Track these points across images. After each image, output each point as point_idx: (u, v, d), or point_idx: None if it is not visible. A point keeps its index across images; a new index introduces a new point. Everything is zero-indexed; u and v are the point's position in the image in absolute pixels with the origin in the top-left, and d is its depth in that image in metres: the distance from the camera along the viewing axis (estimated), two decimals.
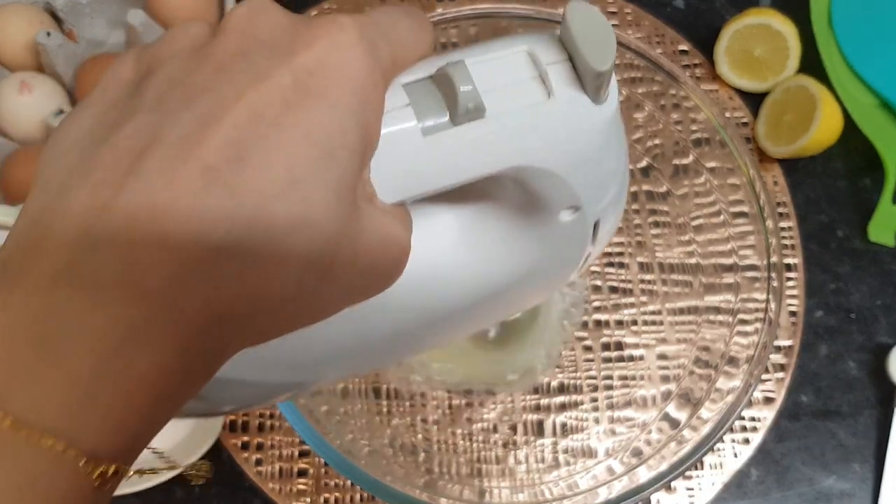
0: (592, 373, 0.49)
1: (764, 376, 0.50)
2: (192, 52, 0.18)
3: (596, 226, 0.24)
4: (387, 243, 0.19)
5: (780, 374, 0.50)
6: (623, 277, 0.50)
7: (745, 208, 0.40)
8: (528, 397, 0.48)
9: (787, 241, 0.53)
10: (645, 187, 0.47)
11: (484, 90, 0.19)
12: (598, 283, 0.50)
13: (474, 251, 0.24)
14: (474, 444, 0.46)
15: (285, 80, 0.17)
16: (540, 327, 0.48)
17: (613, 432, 0.46)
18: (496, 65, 0.19)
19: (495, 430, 0.47)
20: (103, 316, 0.16)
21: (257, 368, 0.22)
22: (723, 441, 0.48)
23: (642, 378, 0.48)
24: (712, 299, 0.43)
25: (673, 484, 0.47)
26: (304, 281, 0.18)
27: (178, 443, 0.48)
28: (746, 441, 0.49)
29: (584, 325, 0.50)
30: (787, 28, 0.54)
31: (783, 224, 0.53)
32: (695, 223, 0.44)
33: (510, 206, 0.23)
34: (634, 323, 0.49)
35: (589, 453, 0.46)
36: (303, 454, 0.48)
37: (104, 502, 0.16)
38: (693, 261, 0.45)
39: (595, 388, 0.48)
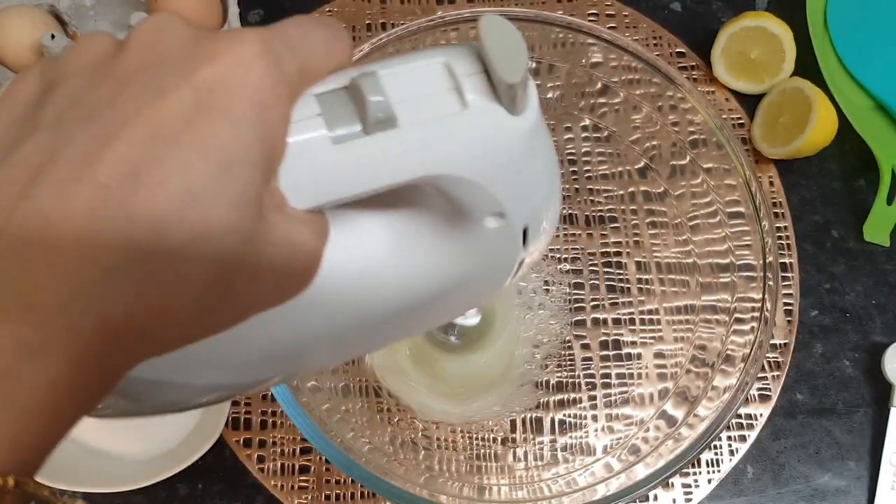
0: (590, 371, 0.49)
1: (760, 375, 0.50)
2: (94, 68, 0.18)
3: (525, 231, 0.24)
4: (294, 252, 0.19)
5: (776, 373, 0.50)
6: (620, 276, 0.50)
7: (741, 209, 0.41)
8: (526, 396, 0.48)
9: (782, 241, 0.53)
10: (642, 188, 0.48)
11: (398, 100, 0.19)
12: (596, 281, 0.50)
13: (404, 255, 0.24)
14: (474, 442, 0.47)
15: (185, 96, 0.17)
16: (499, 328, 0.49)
17: (611, 430, 0.47)
18: (412, 76, 0.20)
19: (494, 427, 0.47)
20: None
21: (185, 370, 0.22)
22: (719, 439, 0.49)
23: (640, 376, 0.48)
24: (709, 298, 0.43)
25: (670, 481, 0.48)
26: (205, 295, 0.18)
27: (183, 440, 0.48)
28: (743, 439, 0.49)
29: (582, 324, 0.50)
30: (782, 31, 0.54)
31: (779, 224, 0.53)
32: (691, 223, 0.45)
33: (436, 212, 0.23)
34: (632, 322, 0.50)
35: (587, 451, 0.46)
36: (304, 451, 0.49)
37: None
38: (690, 260, 0.45)
39: (593, 387, 0.49)
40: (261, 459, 0.48)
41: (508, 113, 0.20)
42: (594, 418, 0.48)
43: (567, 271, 0.51)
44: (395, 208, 0.23)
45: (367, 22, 0.58)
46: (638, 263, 0.50)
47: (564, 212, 0.51)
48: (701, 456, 0.48)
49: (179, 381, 0.22)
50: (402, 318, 0.26)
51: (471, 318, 0.47)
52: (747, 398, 0.46)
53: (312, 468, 0.48)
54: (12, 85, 0.19)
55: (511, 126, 0.20)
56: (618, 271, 0.50)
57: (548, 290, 0.50)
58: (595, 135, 0.48)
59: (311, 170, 0.19)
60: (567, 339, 0.50)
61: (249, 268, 0.18)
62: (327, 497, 0.48)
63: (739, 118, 0.56)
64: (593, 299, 0.50)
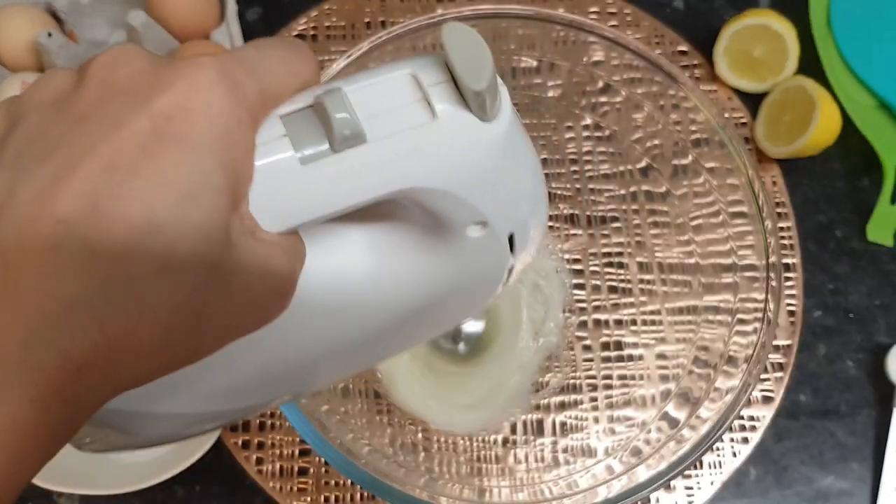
0: (592, 372, 0.49)
1: (763, 376, 0.50)
2: (53, 105, 0.18)
3: (512, 238, 0.24)
4: (266, 276, 0.19)
5: (779, 374, 0.50)
6: (622, 277, 0.50)
7: (743, 208, 0.40)
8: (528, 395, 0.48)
9: (785, 241, 0.53)
10: (644, 187, 0.48)
11: (366, 116, 0.19)
12: (598, 282, 0.50)
13: (390, 269, 0.24)
14: (474, 444, 0.47)
15: (142, 126, 0.17)
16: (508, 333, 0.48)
17: (613, 431, 0.46)
18: (378, 90, 0.19)
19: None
20: None
21: (173, 400, 0.22)
22: (722, 440, 0.48)
23: (641, 377, 0.48)
24: (711, 299, 0.43)
25: (672, 483, 0.48)
26: (172, 326, 0.17)
27: (179, 442, 0.48)
28: (745, 440, 0.49)
29: (584, 325, 0.50)
30: (785, 29, 0.54)
31: (782, 224, 0.53)
32: (694, 223, 0.44)
33: (418, 224, 0.23)
34: (634, 322, 0.49)
35: (588, 452, 0.46)
36: (303, 453, 0.48)
37: None
38: (692, 261, 0.45)
39: (594, 388, 0.48)
40: (259, 461, 0.48)
41: (480, 120, 0.20)
42: (595, 420, 0.47)
43: (569, 271, 0.50)
44: (376, 222, 0.23)
45: (367, 20, 0.58)
46: (640, 264, 0.49)
47: (566, 212, 0.50)
48: (703, 458, 0.48)
49: (170, 412, 0.22)
50: (396, 332, 0.26)
51: (475, 325, 0.47)
52: (750, 399, 0.46)
53: (311, 470, 0.48)
54: None
55: (483, 133, 0.20)
56: (619, 272, 0.50)
57: (548, 291, 0.50)
58: (596, 134, 0.48)
59: (280, 192, 0.19)
60: (569, 340, 0.49)
61: (219, 295, 0.18)
62: (326, 499, 0.47)
63: (742, 117, 0.56)
64: (595, 300, 0.50)
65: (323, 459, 0.44)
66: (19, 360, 0.16)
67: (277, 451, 0.48)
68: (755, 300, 0.39)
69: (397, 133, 0.19)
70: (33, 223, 0.16)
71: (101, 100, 0.18)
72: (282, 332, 0.21)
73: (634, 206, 0.49)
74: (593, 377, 0.49)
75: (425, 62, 0.20)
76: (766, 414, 0.49)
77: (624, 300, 0.49)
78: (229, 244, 0.18)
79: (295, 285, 0.20)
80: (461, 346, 0.48)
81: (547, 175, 0.51)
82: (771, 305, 0.38)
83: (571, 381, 0.49)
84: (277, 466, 0.48)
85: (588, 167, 0.50)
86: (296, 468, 0.48)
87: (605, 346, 0.49)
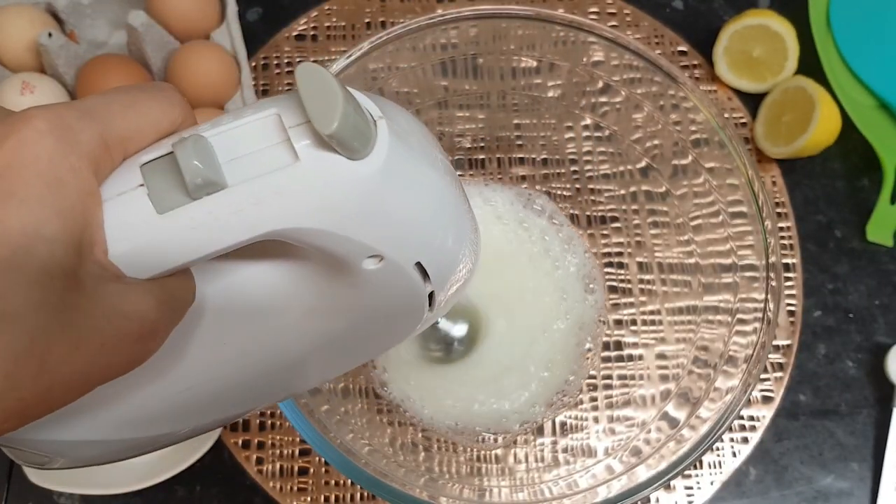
0: (592, 372, 0.49)
1: (762, 376, 0.50)
2: None
3: (421, 266, 0.23)
4: (122, 321, 0.19)
5: (779, 374, 0.50)
6: (622, 277, 0.50)
7: (743, 208, 0.40)
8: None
9: (785, 241, 0.53)
10: (644, 187, 0.48)
11: (227, 160, 0.19)
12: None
13: (296, 301, 0.24)
14: (474, 444, 0.47)
15: None
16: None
17: (613, 431, 0.46)
18: (243, 132, 0.19)
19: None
20: None
21: (91, 429, 0.22)
22: (722, 440, 0.48)
23: (641, 377, 0.48)
24: (711, 299, 0.43)
25: (672, 483, 0.48)
26: (15, 374, 0.17)
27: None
28: (745, 440, 0.49)
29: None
30: (785, 29, 0.54)
31: (781, 224, 0.53)
32: (694, 223, 0.44)
33: (314, 258, 0.23)
34: (633, 322, 0.49)
35: (588, 452, 0.46)
36: (303, 453, 0.48)
37: None
38: (692, 261, 0.45)
39: (594, 388, 0.48)
40: (259, 461, 0.48)
41: (348, 159, 0.19)
42: (595, 420, 0.47)
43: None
44: (276, 257, 0.23)
45: (367, 20, 0.58)
46: (640, 264, 0.49)
47: (566, 212, 0.50)
48: (703, 458, 0.47)
49: (87, 439, 0.22)
50: (317, 359, 0.26)
51: (457, 329, 0.46)
52: (749, 399, 0.46)
53: (311, 470, 0.48)
54: None
55: (353, 171, 0.19)
56: (619, 272, 0.50)
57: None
58: (596, 134, 0.48)
59: (139, 240, 0.19)
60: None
61: (67, 341, 0.18)
62: (326, 499, 0.47)
63: (742, 117, 0.56)
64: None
65: (323, 459, 0.44)
66: None
67: (277, 451, 0.48)
68: (755, 300, 0.39)
69: (258, 177, 0.19)
70: None
71: None
72: (186, 363, 0.21)
73: (634, 206, 0.49)
74: (593, 377, 0.49)
75: (288, 102, 0.20)
76: (765, 414, 0.49)
77: (624, 300, 0.50)
78: (77, 290, 0.18)
79: (162, 328, 0.20)
80: (456, 344, 0.48)
81: (547, 175, 0.51)
82: (771, 305, 0.38)
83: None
84: (277, 466, 0.48)
85: (588, 167, 0.50)
86: (296, 468, 0.48)
87: (605, 346, 0.49)
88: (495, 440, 0.47)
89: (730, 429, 0.48)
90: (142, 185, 0.19)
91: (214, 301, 0.22)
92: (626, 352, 0.49)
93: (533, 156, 0.51)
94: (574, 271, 0.49)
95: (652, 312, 0.49)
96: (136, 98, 0.20)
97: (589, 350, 0.48)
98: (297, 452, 0.48)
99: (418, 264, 0.23)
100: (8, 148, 0.18)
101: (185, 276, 0.21)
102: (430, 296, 0.25)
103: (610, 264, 0.50)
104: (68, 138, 0.18)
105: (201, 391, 0.24)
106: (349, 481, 0.47)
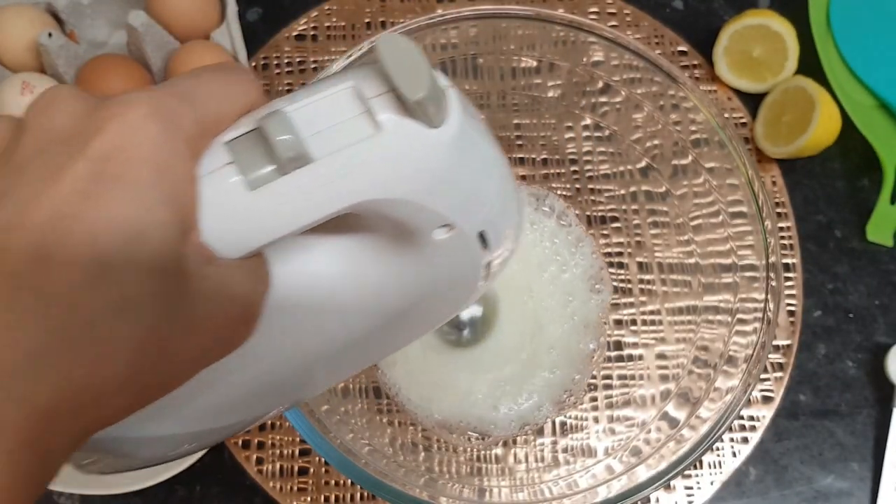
0: (592, 372, 0.49)
1: (762, 376, 0.50)
2: None
3: (483, 235, 0.24)
4: (227, 303, 0.19)
5: (779, 374, 0.50)
6: (622, 277, 0.50)
7: (743, 208, 0.40)
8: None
9: (785, 241, 0.53)
10: (644, 187, 0.48)
11: (310, 134, 0.19)
12: None
13: (363, 277, 0.24)
14: (474, 443, 0.47)
15: (80, 170, 0.17)
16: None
17: (613, 431, 0.46)
18: (321, 106, 0.19)
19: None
20: None
21: (164, 423, 0.22)
22: (721, 440, 0.48)
23: (641, 377, 0.48)
24: (711, 299, 0.43)
25: (672, 483, 0.48)
26: (135, 364, 0.17)
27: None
28: (745, 440, 0.49)
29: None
30: (785, 29, 0.54)
31: (781, 224, 0.53)
32: (694, 223, 0.44)
33: (384, 232, 0.23)
34: (633, 322, 0.49)
35: (588, 452, 0.46)
36: (303, 453, 0.48)
37: None
38: (692, 261, 0.45)
39: (594, 388, 0.48)
40: (259, 461, 0.48)
41: (426, 127, 0.19)
42: (595, 420, 0.47)
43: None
44: (345, 233, 0.23)
45: (367, 20, 0.58)
46: (640, 264, 0.49)
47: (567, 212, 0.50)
48: (703, 458, 0.47)
49: (161, 434, 0.22)
50: (380, 335, 0.26)
51: (472, 310, 0.47)
52: (749, 399, 0.46)
53: (311, 470, 0.48)
54: None
55: (431, 139, 0.20)
56: (619, 272, 0.50)
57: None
58: (596, 134, 0.48)
59: (232, 219, 0.19)
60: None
61: (181, 326, 0.18)
62: (326, 499, 0.47)
63: (742, 117, 0.56)
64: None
65: (323, 459, 0.44)
66: None
67: (277, 451, 0.48)
68: (755, 300, 0.39)
69: (343, 149, 0.19)
70: None
71: (40, 147, 0.18)
72: (262, 348, 0.21)
73: (634, 206, 0.49)
74: (593, 377, 0.49)
75: (365, 74, 0.20)
76: (765, 414, 0.49)
77: (624, 300, 0.50)
78: (185, 275, 0.18)
79: (260, 308, 0.20)
80: (465, 332, 0.48)
81: (547, 175, 0.51)
82: (771, 305, 0.38)
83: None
84: (277, 466, 0.48)
85: (588, 167, 0.50)
86: (296, 468, 0.48)
87: (605, 346, 0.49)
88: (495, 440, 0.47)
89: (730, 429, 0.48)
90: (230, 162, 0.19)
91: (282, 282, 0.22)
92: (626, 352, 0.49)
93: (533, 156, 0.51)
94: (580, 273, 0.49)
95: (652, 312, 0.49)
96: (223, 80, 0.20)
97: (594, 350, 0.48)
98: (297, 452, 0.48)
99: (481, 233, 0.23)
100: (113, 132, 0.17)
101: (261, 256, 0.21)
102: (487, 267, 0.25)
103: (610, 264, 0.50)
104: (171, 123, 0.18)
105: (266, 377, 0.24)
106: (349, 481, 0.47)
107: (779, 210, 0.53)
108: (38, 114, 0.18)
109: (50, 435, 0.17)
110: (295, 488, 0.48)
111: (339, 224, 0.21)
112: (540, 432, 0.47)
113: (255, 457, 0.48)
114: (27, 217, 0.17)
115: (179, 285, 0.18)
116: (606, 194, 0.50)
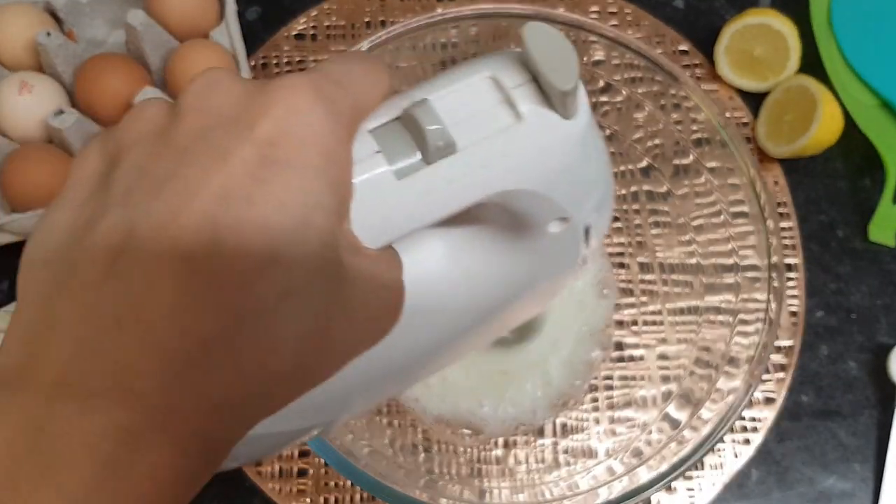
0: (592, 377, 0.49)
1: (764, 376, 0.50)
2: (154, 137, 0.18)
3: (587, 229, 0.24)
4: (380, 291, 0.19)
5: (781, 375, 0.50)
6: (623, 277, 0.50)
7: (745, 208, 0.40)
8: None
9: (787, 241, 0.53)
10: (645, 187, 0.47)
11: (452, 123, 0.19)
12: None
13: (469, 271, 0.24)
14: (474, 445, 0.46)
15: (248, 154, 0.17)
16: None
17: (614, 432, 0.46)
18: (461, 95, 0.19)
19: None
20: (96, 423, 0.15)
21: (287, 419, 0.21)
22: (723, 441, 0.48)
23: (642, 378, 0.48)
24: (713, 299, 0.43)
25: (673, 484, 0.47)
26: (302, 352, 0.17)
27: None
28: (747, 441, 0.49)
29: None
30: (787, 28, 0.54)
31: (783, 224, 0.53)
32: (695, 223, 0.44)
33: (498, 224, 0.23)
34: (635, 323, 0.49)
35: (589, 453, 0.46)
36: (303, 454, 0.48)
37: None
38: (693, 261, 0.45)
39: (595, 389, 0.48)
40: (258, 462, 0.48)
41: (562, 118, 0.20)
42: (596, 421, 0.47)
43: None
44: (456, 225, 0.23)
45: (367, 20, 0.58)
46: (641, 264, 0.49)
47: None
48: (704, 459, 0.47)
49: (269, 432, 0.22)
50: (477, 328, 0.26)
51: None
52: (751, 400, 0.46)
53: (311, 471, 0.48)
54: (75, 164, 0.19)
55: (566, 131, 0.20)
56: (620, 272, 0.50)
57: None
58: None
59: (379, 208, 0.19)
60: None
61: (341, 316, 0.18)
62: (326, 501, 0.47)
63: (743, 117, 0.55)
64: None
65: (323, 461, 0.44)
66: (159, 403, 0.16)
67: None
68: (757, 300, 0.39)
69: (486, 138, 0.19)
70: (156, 263, 0.16)
71: (202, 129, 0.17)
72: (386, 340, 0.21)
73: (635, 206, 0.49)
74: (594, 378, 0.48)
75: (503, 63, 0.20)
76: (767, 415, 0.49)
77: (625, 300, 0.49)
78: (341, 264, 0.18)
79: (403, 297, 0.20)
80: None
81: None
82: (773, 306, 0.38)
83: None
84: (277, 467, 0.48)
85: None
86: (295, 469, 0.48)
87: (609, 352, 0.49)
88: (488, 437, 0.47)
89: (731, 430, 0.48)
90: (378, 151, 0.19)
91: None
92: (627, 352, 0.49)
93: None
94: (590, 277, 0.49)
95: (653, 313, 0.49)
96: (364, 67, 0.20)
97: (595, 357, 0.48)
98: (296, 454, 0.48)
99: (587, 227, 0.24)
100: (279, 115, 0.17)
101: (392, 246, 0.21)
102: (583, 261, 0.25)
103: (611, 264, 0.50)
104: (334, 108, 0.18)
105: (377, 370, 0.23)
106: (349, 483, 0.47)
107: (781, 210, 0.53)
108: (195, 96, 0.18)
109: (216, 426, 0.17)
110: (294, 490, 0.47)
111: (455, 217, 0.21)
112: (540, 433, 0.47)
113: None
114: (197, 200, 0.16)
115: (339, 273, 0.18)
116: None
